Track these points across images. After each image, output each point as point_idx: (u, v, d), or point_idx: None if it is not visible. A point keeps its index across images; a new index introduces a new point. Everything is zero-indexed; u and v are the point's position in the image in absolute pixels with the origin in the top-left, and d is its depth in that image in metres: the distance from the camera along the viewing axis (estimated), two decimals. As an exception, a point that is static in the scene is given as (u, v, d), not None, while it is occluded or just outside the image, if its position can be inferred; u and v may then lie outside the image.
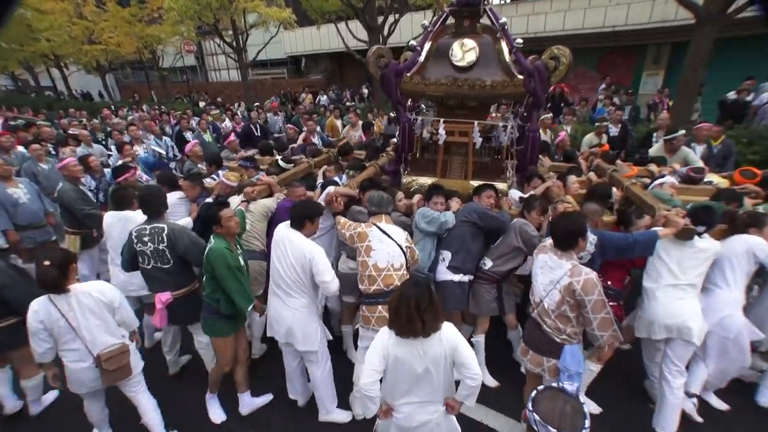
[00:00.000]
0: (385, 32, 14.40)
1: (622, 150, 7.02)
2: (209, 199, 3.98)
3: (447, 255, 3.50)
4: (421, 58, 4.07)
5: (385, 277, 3.01)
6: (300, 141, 7.12)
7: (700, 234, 3.04)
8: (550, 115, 8.17)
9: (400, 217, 3.75)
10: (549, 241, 2.79)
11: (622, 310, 3.46)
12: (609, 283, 3.32)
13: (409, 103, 4.54)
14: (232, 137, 7.21)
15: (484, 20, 4.23)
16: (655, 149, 5.88)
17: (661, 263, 3.12)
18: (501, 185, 4.05)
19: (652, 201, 3.59)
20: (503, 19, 4.06)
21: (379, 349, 2.18)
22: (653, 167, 4.96)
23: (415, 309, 2.05)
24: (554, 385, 1.61)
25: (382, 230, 3.08)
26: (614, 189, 4.20)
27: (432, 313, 2.09)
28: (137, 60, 23.72)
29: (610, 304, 3.11)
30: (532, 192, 3.97)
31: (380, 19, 14.50)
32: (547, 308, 2.71)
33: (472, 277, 3.56)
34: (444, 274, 3.49)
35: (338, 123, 9.84)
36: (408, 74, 3.95)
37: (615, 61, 16.58)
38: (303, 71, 27.26)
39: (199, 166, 5.70)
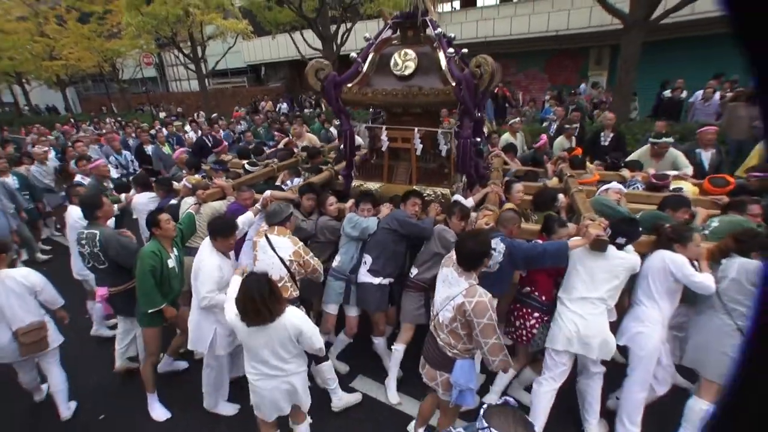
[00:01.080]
0: (339, 41, 14.53)
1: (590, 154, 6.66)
2: (174, 201, 4.34)
3: (368, 259, 3.56)
4: (364, 69, 4.15)
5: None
6: (281, 145, 6.98)
7: (621, 246, 2.91)
8: (519, 119, 8.01)
9: (329, 221, 3.85)
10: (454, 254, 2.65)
11: (539, 322, 3.23)
12: (536, 294, 3.23)
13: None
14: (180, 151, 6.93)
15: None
16: (639, 153, 5.49)
17: (576, 274, 2.99)
18: (444, 190, 4.15)
19: (585, 209, 3.57)
20: (439, 29, 4.22)
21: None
22: (625, 172, 4.80)
23: (260, 301, 2.36)
24: (503, 403, 1.63)
25: (269, 241, 3.17)
26: (561, 195, 4.15)
27: (274, 300, 2.43)
28: (98, 73, 23.31)
29: (534, 315, 3.18)
30: (471, 198, 4.05)
31: (334, 27, 14.63)
32: (441, 322, 2.60)
33: (392, 281, 3.59)
34: (364, 276, 3.55)
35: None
36: (349, 85, 4.05)
37: (562, 63, 17.24)
38: (263, 79, 27.10)
39: (183, 171, 5.77)
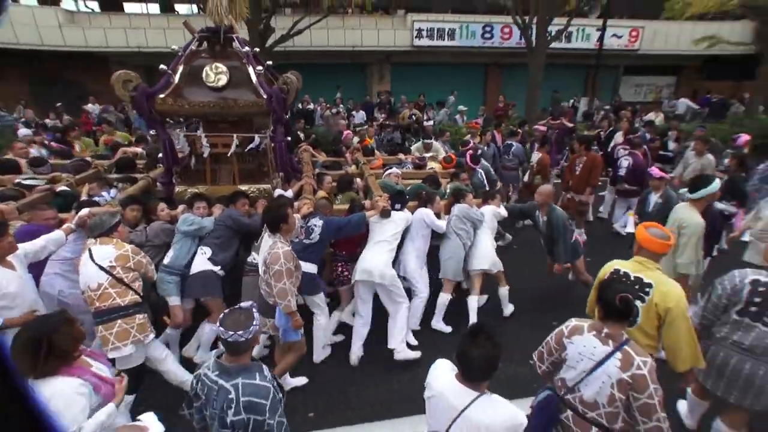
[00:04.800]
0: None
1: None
2: None
3: (207, 250, 3.66)
4: (176, 80, 4.09)
5: (101, 296, 2.88)
6: (119, 154, 5.81)
7: (398, 210, 3.94)
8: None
9: (164, 225, 3.79)
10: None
11: (348, 270, 4.05)
12: (343, 253, 4.10)
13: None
14: None
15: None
16: (415, 147, 7.21)
17: (373, 231, 3.92)
18: (266, 186, 4.44)
19: (375, 188, 4.50)
20: (246, 48, 4.41)
21: None
22: (401, 156, 6.54)
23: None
24: (236, 307, 1.99)
25: (90, 253, 2.94)
26: (358, 179, 5.09)
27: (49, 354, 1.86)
28: None
29: (342, 264, 4.04)
30: (290, 190, 4.47)
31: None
32: (262, 275, 3.14)
33: (223, 272, 3.75)
34: (204, 264, 3.62)
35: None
36: (162, 96, 3.95)
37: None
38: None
39: None
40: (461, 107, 12.05)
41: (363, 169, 5.43)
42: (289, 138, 4.71)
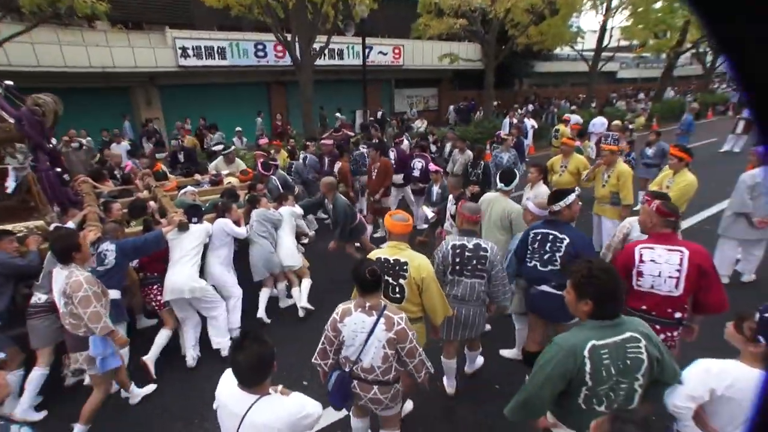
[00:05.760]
0: None
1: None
2: None
3: None
4: None
5: None
6: None
7: (195, 222, 4.34)
8: None
9: None
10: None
11: (159, 292, 4.32)
12: (152, 273, 4.37)
13: None
14: None
15: None
16: (214, 164, 7.54)
17: (173, 248, 4.24)
18: (37, 223, 4.27)
19: (170, 207, 4.90)
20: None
21: None
22: (198, 176, 6.97)
23: None
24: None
25: None
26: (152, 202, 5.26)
27: None
28: None
29: (155, 287, 4.29)
30: (70, 222, 4.39)
31: None
32: (64, 309, 3.23)
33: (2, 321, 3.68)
34: None
35: None
36: None
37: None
38: None
39: None
40: (238, 128, 12.86)
41: (156, 192, 5.65)
42: (58, 168, 4.54)
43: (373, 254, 3.14)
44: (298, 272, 5.24)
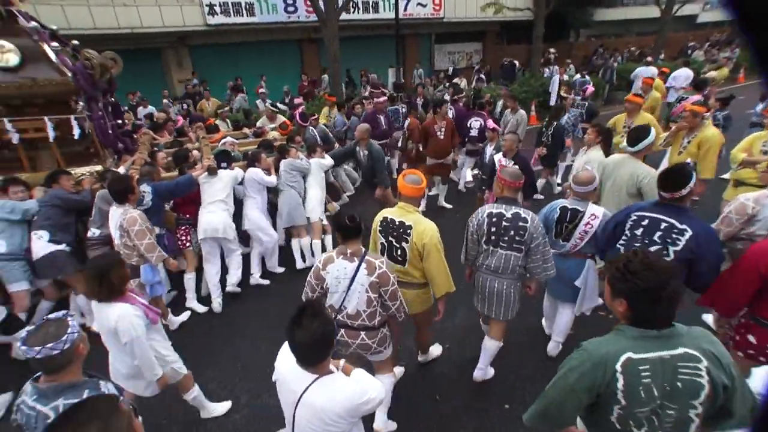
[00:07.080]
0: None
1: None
2: None
3: (44, 234, 4.25)
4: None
5: None
6: None
7: (224, 168, 4.98)
8: None
9: None
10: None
11: (190, 233, 5.08)
12: (185, 216, 5.05)
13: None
14: None
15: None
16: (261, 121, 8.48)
17: (204, 190, 4.90)
18: (97, 168, 5.07)
19: (206, 154, 5.60)
20: (33, 23, 4.84)
21: None
22: (246, 130, 8.02)
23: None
24: (45, 318, 2.00)
25: None
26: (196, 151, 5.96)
27: None
28: None
29: (183, 228, 5.01)
30: (122, 167, 5.19)
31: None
32: (119, 241, 4.01)
33: (70, 248, 4.42)
34: (47, 247, 4.23)
35: None
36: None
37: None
38: None
39: None
40: (262, 90, 13.33)
41: (202, 143, 6.42)
42: (119, 120, 5.34)
43: (382, 213, 3.30)
44: (325, 228, 5.80)
